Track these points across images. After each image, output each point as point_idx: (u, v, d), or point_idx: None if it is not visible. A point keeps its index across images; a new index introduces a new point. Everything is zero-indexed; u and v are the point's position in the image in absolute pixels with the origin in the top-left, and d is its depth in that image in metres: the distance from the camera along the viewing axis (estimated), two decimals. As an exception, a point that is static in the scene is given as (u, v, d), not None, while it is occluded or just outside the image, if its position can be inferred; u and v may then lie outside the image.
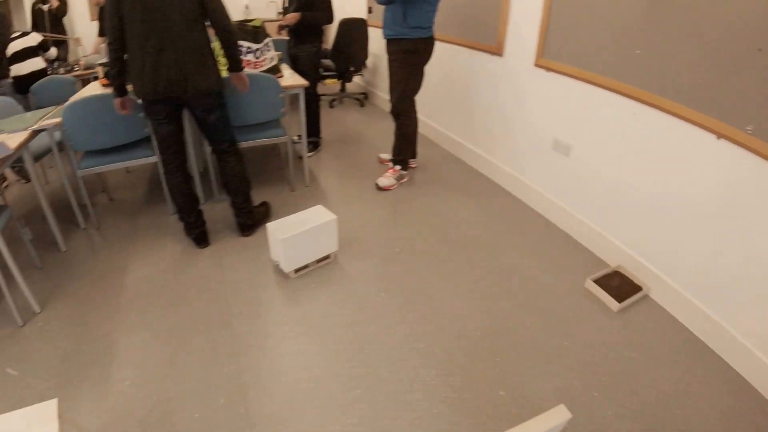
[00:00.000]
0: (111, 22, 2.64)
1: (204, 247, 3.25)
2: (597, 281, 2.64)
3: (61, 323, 2.71)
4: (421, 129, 4.14)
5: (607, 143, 2.75)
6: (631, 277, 2.67)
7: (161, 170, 3.22)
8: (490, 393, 2.09)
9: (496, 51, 3.52)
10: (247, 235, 3.34)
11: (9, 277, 2.67)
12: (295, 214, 2.91)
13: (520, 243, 3.06)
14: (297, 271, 2.88)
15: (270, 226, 2.82)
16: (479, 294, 2.65)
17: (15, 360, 2.50)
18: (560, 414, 1.55)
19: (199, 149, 3.84)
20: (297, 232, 2.71)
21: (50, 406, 1.71)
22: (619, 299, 2.52)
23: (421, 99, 3.70)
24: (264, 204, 3.54)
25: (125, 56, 2.75)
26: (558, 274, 2.79)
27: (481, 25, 3.65)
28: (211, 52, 2.81)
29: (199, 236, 3.24)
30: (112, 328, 2.65)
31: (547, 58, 3.06)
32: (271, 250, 2.92)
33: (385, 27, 3.46)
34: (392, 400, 2.09)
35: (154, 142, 3.20)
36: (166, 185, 3.26)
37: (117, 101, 2.97)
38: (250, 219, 3.34)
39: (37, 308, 2.82)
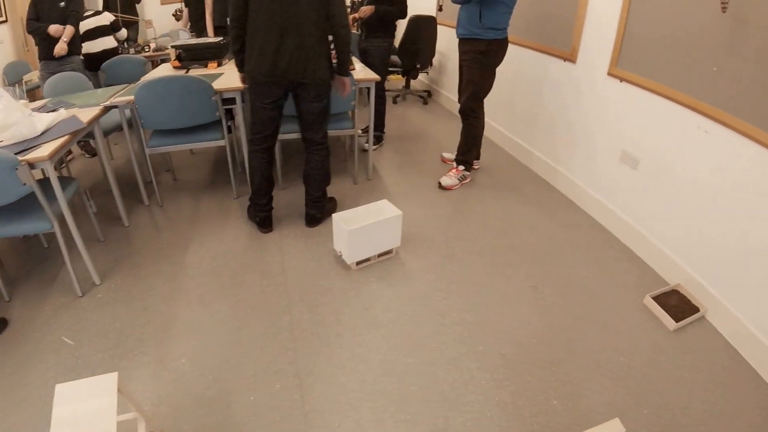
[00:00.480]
0: (236, 3, 2.81)
1: (267, 232, 3.40)
2: (656, 298, 2.64)
3: (119, 296, 2.88)
4: (487, 131, 4.16)
5: (676, 159, 2.73)
6: (689, 297, 2.65)
7: (245, 150, 3.42)
8: (544, 402, 2.14)
9: (570, 57, 3.52)
10: (311, 227, 3.46)
11: (72, 248, 2.84)
12: (362, 206, 3.02)
13: (579, 253, 3.07)
14: (359, 263, 2.96)
15: (336, 216, 2.92)
16: (537, 302, 2.69)
17: (72, 329, 2.67)
18: (615, 428, 1.59)
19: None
20: (363, 225, 2.80)
21: (111, 379, 1.85)
22: (677, 318, 2.51)
23: (488, 100, 3.73)
24: (332, 199, 3.64)
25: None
26: (617, 287, 2.79)
27: (556, 30, 3.65)
28: (329, 45, 2.95)
29: (265, 220, 3.39)
30: (171, 305, 2.80)
31: (621, 68, 3.05)
32: (335, 240, 3.03)
33: (459, 26, 3.50)
34: (446, 399, 2.17)
35: (239, 122, 3.45)
36: (248, 164, 3.39)
37: (241, 75, 3.18)
38: (320, 213, 3.46)
39: (97, 280, 2.99)
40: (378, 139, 4.70)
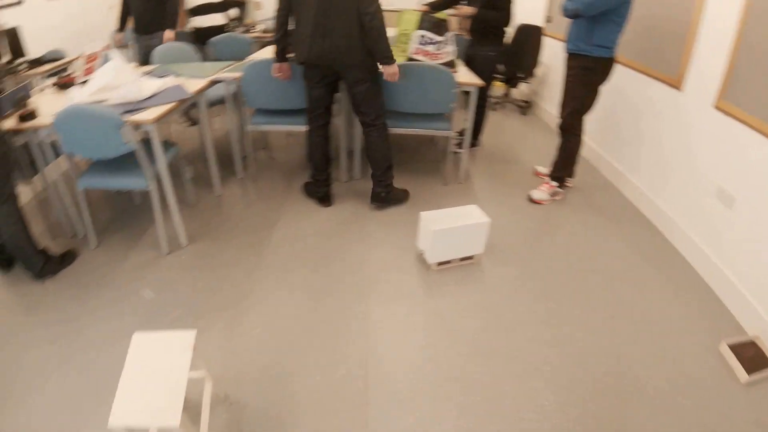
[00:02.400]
0: None
1: (327, 206, 3.61)
2: (731, 347, 2.47)
3: (203, 261, 3.05)
4: (584, 151, 4.04)
5: None
6: (766, 351, 2.48)
7: (307, 129, 3.53)
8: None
9: (675, 84, 3.35)
10: (376, 207, 3.62)
11: (163, 209, 3.05)
12: (451, 208, 3.00)
13: (661, 287, 2.90)
14: (440, 264, 2.94)
15: (424, 215, 2.92)
16: (610, 332, 2.55)
17: (152, 285, 2.84)
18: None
19: (348, 131, 4.05)
20: (449, 227, 2.79)
21: (188, 336, 1.92)
22: (750, 371, 2.34)
23: (588, 119, 3.63)
24: (405, 191, 3.76)
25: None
26: (693, 329, 2.59)
27: (662, 54, 3.48)
28: (357, 28, 3.02)
29: (325, 196, 3.62)
30: (251, 276, 2.93)
31: (729, 101, 2.86)
32: (420, 238, 3.02)
33: (569, 41, 3.42)
34: (507, 415, 2.11)
35: (307, 103, 3.47)
36: (306, 142, 3.55)
37: (275, 65, 3.36)
38: (384, 191, 3.60)
39: (184, 242, 3.16)
40: (473, 145, 4.67)
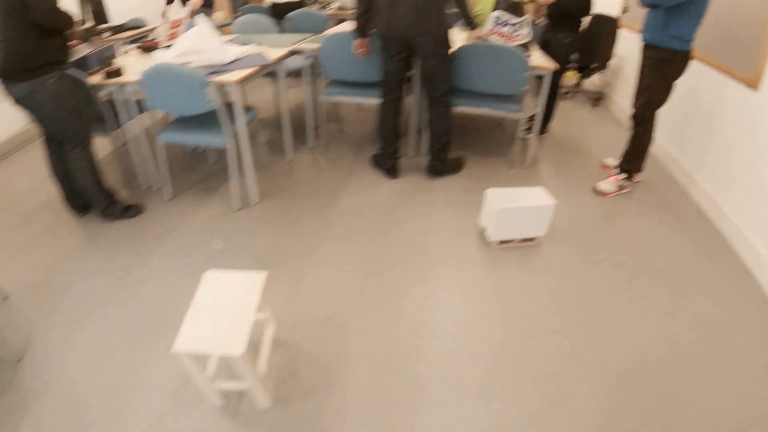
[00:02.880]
0: None
1: (393, 178, 3.73)
2: None
3: (272, 217, 3.26)
4: (654, 148, 3.97)
5: None
6: None
7: (380, 102, 3.65)
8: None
9: (751, 83, 3.25)
10: (431, 177, 3.77)
11: (239, 168, 3.25)
12: (517, 188, 3.02)
13: (719, 291, 2.80)
14: (500, 243, 2.99)
15: (490, 192, 2.96)
16: (666, 326, 2.52)
17: (223, 236, 3.06)
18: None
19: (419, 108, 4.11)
20: (514, 206, 2.82)
21: (259, 276, 2.09)
22: None
23: (660, 115, 3.57)
24: (459, 159, 3.93)
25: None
26: (749, 338, 2.50)
27: (739, 51, 3.38)
28: (444, 8, 3.21)
29: (392, 168, 3.76)
30: (316, 236, 3.10)
31: None
32: (482, 215, 3.07)
33: (645, 31, 3.37)
34: (552, 395, 2.15)
35: (382, 75, 3.57)
36: (378, 115, 3.67)
37: (356, 41, 3.50)
38: (440, 165, 3.79)
39: (255, 199, 3.35)
40: (542, 132, 4.67)
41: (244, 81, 3.07)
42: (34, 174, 4.00)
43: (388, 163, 3.78)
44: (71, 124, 2.95)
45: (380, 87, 3.57)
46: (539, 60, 3.78)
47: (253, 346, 2.10)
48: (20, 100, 2.81)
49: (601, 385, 2.17)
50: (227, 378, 2.11)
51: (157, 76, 2.96)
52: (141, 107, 3.43)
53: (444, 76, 3.47)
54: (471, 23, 3.45)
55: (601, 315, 2.58)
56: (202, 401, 2.11)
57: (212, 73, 3.06)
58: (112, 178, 3.70)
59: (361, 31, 3.44)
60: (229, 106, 3.13)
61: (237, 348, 1.77)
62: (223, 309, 1.95)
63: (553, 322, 2.52)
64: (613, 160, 4.03)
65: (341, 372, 2.22)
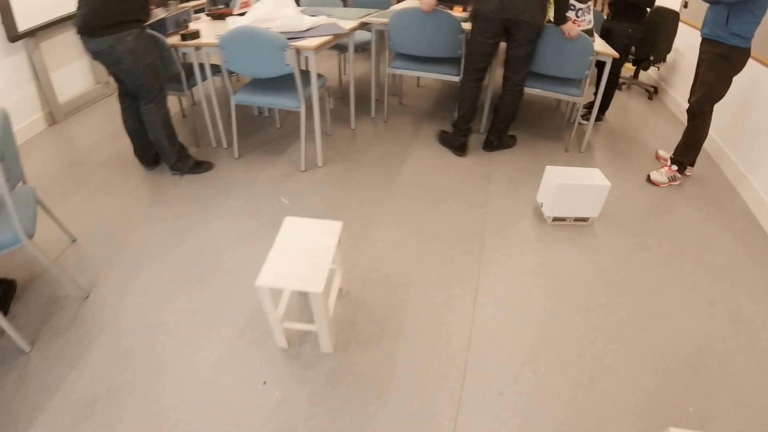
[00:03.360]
0: None
1: (461, 156, 3.87)
2: None
3: (336, 180, 3.46)
4: (708, 143, 4.01)
5: None
6: None
7: (463, 80, 3.76)
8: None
9: None
10: (487, 150, 4.02)
11: (309, 132, 3.43)
12: (575, 168, 3.14)
13: (762, 296, 2.86)
14: (555, 219, 3.12)
15: (549, 168, 3.09)
16: (707, 318, 2.59)
17: (289, 193, 3.30)
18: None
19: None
20: (572, 183, 2.93)
21: (336, 225, 2.28)
22: None
23: (716, 113, 3.61)
24: (513, 137, 4.16)
25: None
26: None
27: None
28: None
29: (462, 145, 3.90)
30: (378, 199, 3.30)
31: None
32: (540, 191, 3.21)
33: (704, 26, 3.42)
34: (592, 368, 2.28)
35: (469, 56, 3.69)
36: (461, 92, 3.79)
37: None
38: (497, 140, 4.01)
39: (320, 163, 3.56)
40: (597, 119, 4.75)
41: (320, 48, 3.22)
42: (104, 129, 4.27)
43: (458, 140, 3.91)
44: (147, 80, 3.14)
45: (467, 66, 3.69)
46: (602, 47, 3.86)
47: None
48: (99, 54, 3.00)
49: (643, 364, 2.29)
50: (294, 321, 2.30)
51: (238, 38, 3.13)
52: (213, 70, 3.62)
53: (528, 63, 3.65)
54: (563, 20, 3.50)
55: (647, 298, 2.69)
56: (267, 342, 2.31)
57: (289, 39, 3.22)
58: (182, 135, 3.92)
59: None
60: (303, 72, 3.29)
61: (317, 286, 1.95)
62: (303, 251, 2.13)
63: (600, 298, 2.64)
64: (666, 152, 4.09)
65: (397, 327, 2.40)
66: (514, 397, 2.10)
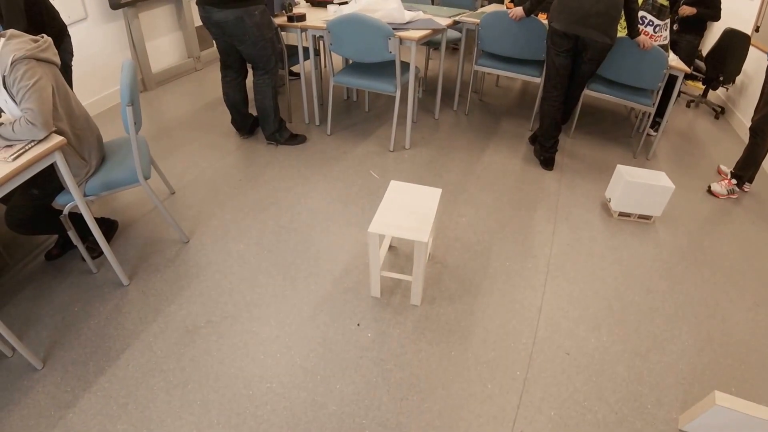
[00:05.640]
0: None
1: (549, 170, 4.07)
2: None
3: (423, 161, 3.88)
4: (766, 164, 4.27)
5: None
6: None
7: (540, 94, 4.05)
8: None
9: None
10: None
11: (401, 117, 3.82)
12: (642, 169, 3.48)
13: None
14: (620, 214, 3.45)
15: (620, 167, 3.43)
16: (748, 319, 2.85)
17: (378, 168, 3.70)
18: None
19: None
20: (639, 182, 3.27)
21: (437, 191, 2.67)
22: None
23: None
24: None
25: None
26: None
27: None
28: (620, 13, 3.50)
29: (548, 160, 4.07)
30: (460, 180, 3.71)
31: None
32: (609, 187, 3.55)
33: None
34: (648, 343, 2.63)
35: (548, 70, 3.95)
36: (540, 109, 4.06)
37: (518, 9, 3.88)
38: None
39: (407, 145, 3.98)
40: (654, 125, 5.04)
41: (420, 40, 3.60)
42: (195, 99, 4.72)
43: (544, 155, 4.08)
44: (266, 52, 3.54)
45: (545, 83, 3.88)
46: (676, 62, 4.14)
47: (411, 255, 2.64)
48: (226, 24, 3.33)
49: (693, 345, 2.61)
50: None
51: (347, 23, 3.54)
52: (309, 54, 4.02)
53: (586, 79, 3.90)
54: (636, 34, 3.70)
55: (700, 290, 3.01)
56: (361, 291, 2.71)
57: (393, 28, 3.60)
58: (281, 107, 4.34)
59: (529, 11, 3.85)
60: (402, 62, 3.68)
61: (422, 236, 2.32)
62: (408, 209, 2.51)
63: (660, 285, 2.98)
64: (727, 168, 4.35)
65: (477, 288, 2.80)
66: (579, 358, 2.46)
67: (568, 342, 2.53)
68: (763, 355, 2.63)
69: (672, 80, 4.16)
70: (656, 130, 4.71)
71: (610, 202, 3.52)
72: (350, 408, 2.10)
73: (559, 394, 2.27)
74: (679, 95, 4.87)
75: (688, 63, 4.58)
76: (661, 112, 4.91)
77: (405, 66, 3.77)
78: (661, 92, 4.19)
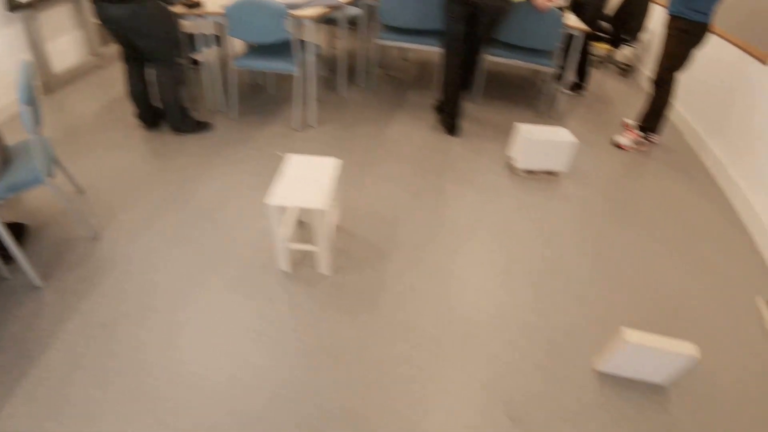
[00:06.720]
0: None
1: (454, 136, 4.16)
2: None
3: (329, 138, 3.90)
4: (674, 116, 4.49)
5: None
6: None
7: (443, 64, 4.07)
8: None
9: (763, 59, 3.70)
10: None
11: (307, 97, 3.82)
12: (544, 126, 3.60)
13: (719, 241, 3.31)
14: (526, 172, 3.58)
15: (521, 126, 3.55)
16: (668, 265, 3.03)
17: (283, 148, 3.71)
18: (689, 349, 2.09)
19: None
20: (542, 138, 3.38)
21: (336, 161, 2.69)
22: None
23: (681, 86, 4.03)
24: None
25: None
26: (736, 282, 2.99)
27: (756, 28, 3.85)
28: None
29: (452, 126, 4.17)
30: (368, 154, 3.74)
31: None
32: (512, 146, 3.67)
33: (671, 4, 3.86)
34: (563, 285, 2.78)
35: (445, 38, 4.00)
36: (443, 76, 4.09)
37: None
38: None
39: (314, 124, 3.94)
40: (577, 87, 5.26)
41: (316, 18, 3.63)
42: (100, 97, 4.58)
43: (449, 121, 4.18)
44: (164, 45, 3.50)
45: (444, 48, 3.92)
46: (574, 20, 4.29)
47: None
48: (121, 19, 3.28)
49: (604, 291, 2.79)
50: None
51: (243, 6, 3.52)
52: (215, 41, 4.00)
53: (487, 42, 3.98)
54: None
55: (608, 238, 3.17)
56: (271, 267, 2.72)
57: (289, 8, 3.61)
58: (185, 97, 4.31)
59: None
60: (300, 41, 3.69)
61: (320, 204, 2.35)
62: (306, 179, 2.53)
63: (569, 236, 3.13)
64: (633, 121, 4.54)
65: (388, 254, 2.84)
66: (492, 312, 2.57)
67: (480, 299, 2.62)
68: (670, 292, 2.81)
69: (583, 43, 4.31)
70: (569, 89, 4.88)
71: (513, 161, 3.62)
72: (269, 380, 2.13)
73: (475, 348, 2.35)
74: (588, 56, 5.03)
75: (593, 24, 4.74)
76: (582, 76, 5.12)
77: (306, 46, 3.79)
78: (571, 56, 4.35)
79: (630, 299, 2.72)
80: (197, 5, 3.81)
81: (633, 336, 2.12)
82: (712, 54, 4.34)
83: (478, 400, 2.14)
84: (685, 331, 2.58)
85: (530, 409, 2.14)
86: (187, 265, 2.73)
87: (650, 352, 2.13)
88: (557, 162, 3.54)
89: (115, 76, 4.93)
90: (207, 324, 2.39)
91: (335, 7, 3.91)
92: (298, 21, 3.60)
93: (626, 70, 6.38)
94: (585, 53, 4.95)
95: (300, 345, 2.29)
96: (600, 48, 6.42)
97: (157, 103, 3.83)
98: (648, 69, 6.01)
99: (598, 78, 5.98)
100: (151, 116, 3.96)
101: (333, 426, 1.99)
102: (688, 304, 2.75)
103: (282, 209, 2.57)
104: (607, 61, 6.58)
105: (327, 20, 4.63)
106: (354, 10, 4.69)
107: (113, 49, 5.47)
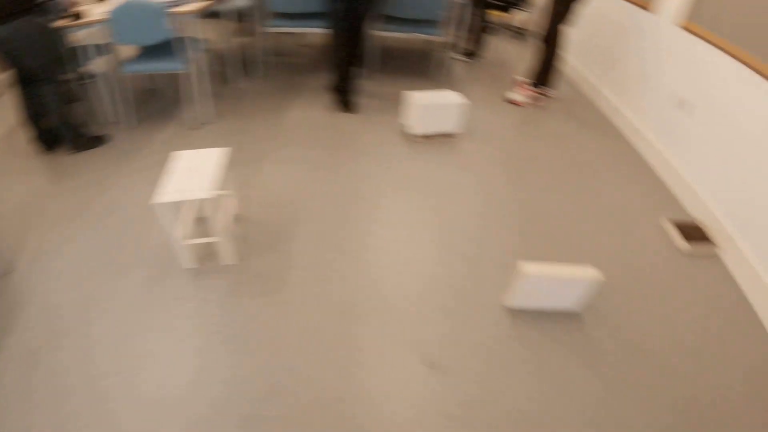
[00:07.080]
0: None
1: (351, 113, 4.25)
2: (672, 222, 3.04)
3: (229, 131, 3.92)
4: (567, 69, 4.73)
5: (735, 115, 2.93)
6: (708, 233, 2.97)
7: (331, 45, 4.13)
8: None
9: (647, 6, 3.94)
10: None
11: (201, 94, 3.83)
12: (434, 91, 3.73)
13: (619, 175, 3.58)
14: (421, 136, 3.74)
15: (411, 93, 3.66)
16: (571, 200, 3.28)
17: (185, 148, 3.51)
18: (591, 274, 2.24)
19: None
20: (433, 103, 3.50)
21: (223, 150, 2.71)
22: (689, 240, 2.88)
23: (570, 40, 4.24)
24: None
25: None
26: (642, 208, 3.25)
27: None
28: None
29: (347, 103, 4.26)
30: (269, 143, 3.78)
31: (695, 22, 3.33)
32: (405, 114, 3.80)
33: None
34: (478, 243, 2.94)
35: (328, 17, 4.04)
36: (332, 56, 4.16)
37: None
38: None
39: (212, 119, 4.02)
40: (470, 55, 5.43)
41: (197, 12, 3.63)
42: None
43: (343, 99, 4.26)
44: (46, 62, 3.42)
45: (329, 28, 3.96)
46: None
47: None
48: (3, 41, 3.17)
49: (506, 234, 2.96)
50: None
51: (125, 9, 3.48)
52: (101, 51, 3.95)
53: (364, 15, 3.91)
54: None
55: (517, 185, 3.36)
56: (176, 268, 2.71)
57: (170, 5, 3.60)
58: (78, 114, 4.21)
59: None
60: (188, 38, 3.69)
61: (207, 192, 2.37)
62: (194, 172, 2.53)
63: (469, 189, 3.28)
64: (524, 78, 4.74)
65: (291, 236, 2.90)
66: (399, 268, 2.71)
67: (386, 259, 2.74)
68: (576, 225, 3.06)
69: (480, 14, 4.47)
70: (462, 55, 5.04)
71: (408, 128, 3.75)
72: (191, 377, 2.16)
73: (387, 307, 2.47)
74: (485, 25, 5.23)
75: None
76: (478, 44, 5.29)
77: (192, 42, 3.79)
78: (461, 24, 4.50)
79: (534, 237, 2.91)
80: (78, 17, 3.74)
81: (531, 268, 2.27)
82: (600, 6, 4.60)
83: (396, 357, 2.25)
84: (595, 257, 2.81)
85: (445, 353, 2.26)
86: (98, 281, 2.67)
87: (551, 281, 2.29)
88: (450, 124, 3.68)
89: (8, 103, 4.77)
90: (125, 332, 2.38)
91: (218, 2, 3.92)
92: (179, 18, 3.58)
93: (521, 34, 6.59)
94: (482, 21, 5.14)
95: (215, 336, 2.33)
96: (494, 15, 6.61)
97: (54, 123, 3.75)
98: (536, 27, 6.25)
99: (494, 43, 6.17)
100: (51, 138, 3.86)
101: (268, 406, 2.05)
102: (597, 235, 2.98)
103: (176, 207, 2.60)
104: (503, 27, 6.79)
105: (213, 14, 4.63)
106: (240, 1, 4.69)
107: (5, 75, 5.29)
